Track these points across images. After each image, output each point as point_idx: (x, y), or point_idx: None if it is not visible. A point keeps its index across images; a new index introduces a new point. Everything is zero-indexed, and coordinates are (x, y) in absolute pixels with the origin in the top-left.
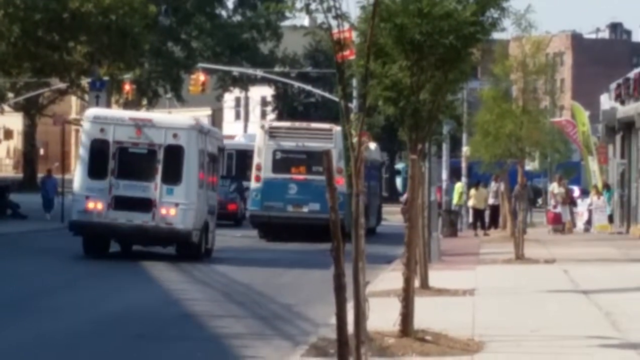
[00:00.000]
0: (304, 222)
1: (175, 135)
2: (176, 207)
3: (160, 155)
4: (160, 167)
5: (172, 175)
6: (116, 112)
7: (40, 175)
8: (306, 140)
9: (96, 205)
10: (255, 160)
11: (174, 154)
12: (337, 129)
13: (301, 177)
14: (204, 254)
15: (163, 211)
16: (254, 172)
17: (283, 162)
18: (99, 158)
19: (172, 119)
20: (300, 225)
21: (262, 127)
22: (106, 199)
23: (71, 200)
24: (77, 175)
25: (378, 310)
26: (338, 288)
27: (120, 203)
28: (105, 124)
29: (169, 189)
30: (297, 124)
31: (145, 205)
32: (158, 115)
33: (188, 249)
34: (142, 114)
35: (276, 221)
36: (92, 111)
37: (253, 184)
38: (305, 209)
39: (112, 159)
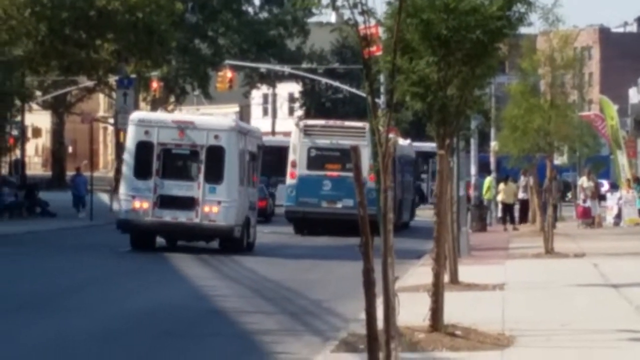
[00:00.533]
0: (337, 218)
1: (216, 137)
2: (218, 204)
3: (203, 156)
4: (202, 167)
5: (214, 175)
6: (160, 115)
7: (69, 173)
8: (340, 137)
9: (142, 204)
10: (291, 157)
11: (216, 154)
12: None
13: (335, 173)
14: (246, 248)
15: (206, 209)
16: (289, 169)
17: (317, 159)
18: (144, 159)
19: (213, 121)
20: (334, 220)
21: (297, 125)
22: (152, 198)
23: (118, 199)
24: (124, 175)
25: (408, 305)
26: (367, 283)
27: (165, 202)
28: (149, 126)
29: (212, 188)
30: (331, 122)
31: (189, 203)
32: (200, 118)
33: (230, 243)
34: (184, 116)
35: (311, 216)
36: (137, 114)
37: (288, 181)
38: (339, 205)
39: (157, 160)
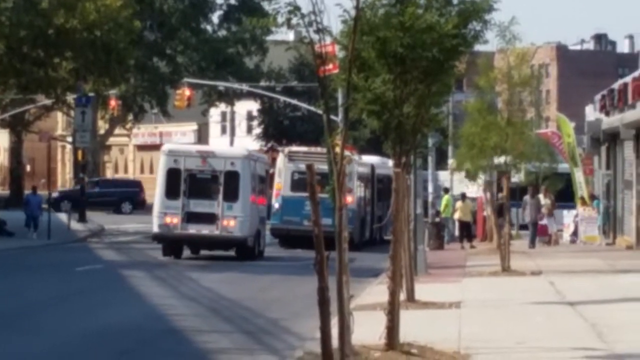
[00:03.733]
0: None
1: (232, 163)
2: (235, 219)
3: (221, 179)
4: (221, 188)
5: (231, 195)
6: (186, 146)
7: (27, 192)
8: (321, 163)
9: (172, 220)
10: (276, 180)
11: (232, 178)
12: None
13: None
14: (257, 255)
15: (225, 223)
16: (274, 191)
17: (300, 182)
18: (173, 183)
19: (230, 151)
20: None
21: (283, 151)
22: (180, 215)
23: (153, 216)
24: (157, 196)
25: (364, 323)
26: (322, 302)
27: (191, 217)
28: (177, 156)
29: (229, 205)
30: (312, 149)
31: (211, 218)
32: (219, 148)
33: (245, 251)
34: (206, 147)
35: (294, 233)
36: (167, 146)
37: (274, 201)
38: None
39: (184, 183)
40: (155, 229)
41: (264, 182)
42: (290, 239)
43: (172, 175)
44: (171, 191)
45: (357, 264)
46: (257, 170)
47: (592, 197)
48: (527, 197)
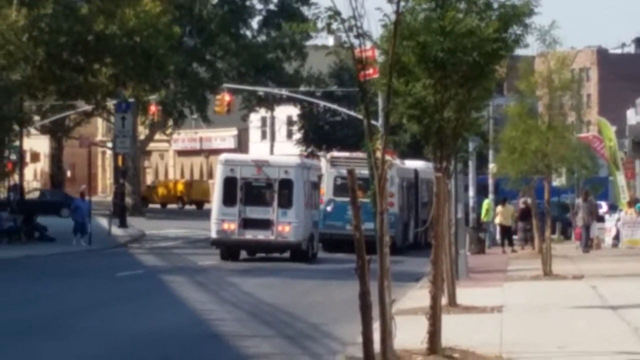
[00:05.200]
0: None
1: (286, 172)
2: (289, 224)
3: (276, 187)
4: (276, 196)
5: (285, 201)
6: (242, 156)
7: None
8: (362, 168)
9: (230, 226)
10: (321, 186)
11: (286, 186)
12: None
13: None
14: (311, 258)
15: (280, 228)
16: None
17: (342, 187)
18: (231, 190)
19: (283, 160)
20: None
21: (325, 157)
22: (237, 221)
23: (211, 223)
24: (215, 203)
25: (406, 328)
26: (363, 306)
27: (247, 223)
28: (234, 165)
29: (283, 212)
30: (354, 154)
31: (266, 224)
32: (273, 157)
33: (299, 255)
34: (261, 156)
35: (337, 237)
36: (224, 156)
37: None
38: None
39: (240, 191)
40: (214, 234)
41: (316, 188)
42: (334, 243)
43: (229, 184)
44: (228, 199)
45: (398, 268)
46: (309, 177)
47: (636, 200)
48: (579, 201)
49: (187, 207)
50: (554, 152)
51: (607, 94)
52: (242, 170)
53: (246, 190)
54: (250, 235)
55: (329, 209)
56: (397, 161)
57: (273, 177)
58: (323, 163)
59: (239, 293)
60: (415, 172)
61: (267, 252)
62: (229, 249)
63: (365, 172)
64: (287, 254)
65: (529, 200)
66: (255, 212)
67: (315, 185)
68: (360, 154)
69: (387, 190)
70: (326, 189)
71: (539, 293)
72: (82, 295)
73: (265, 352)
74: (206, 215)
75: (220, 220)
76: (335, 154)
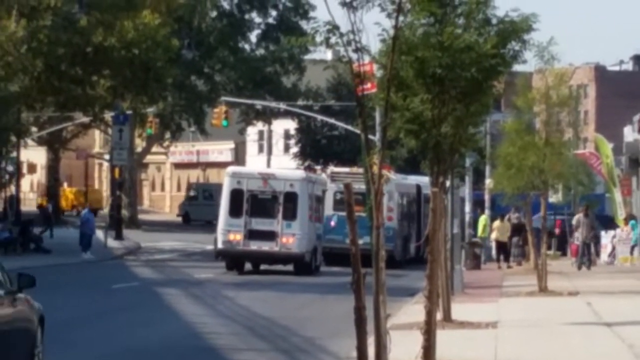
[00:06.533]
0: (360, 252)
1: (291, 185)
2: (293, 236)
3: (281, 199)
4: (281, 208)
5: (290, 214)
6: (248, 169)
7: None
8: (361, 183)
9: (235, 237)
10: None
11: (291, 198)
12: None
13: (360, 214)
14: (314, 270)
15: (284, 240)
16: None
17: (342, 201)
18: (237, 202)
19: (289, 173)
20: None
21: (326, 172)
22: (242, 232)
23: (217, 233)
24: (221, 215)
25: (401, 343)
26: (358, 321)
27: (253, 235)
28: (240, 177)
29: (288, 224)
30: (354, 169)
31: (271, 236)
32: (279, 171)
33: (302, 266)
34: (267, 170)
35: (336, 251)
36: (231, 169)
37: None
38: (360, 242)
39: (246, 203)
40: (220, 245)
41: (321, 201)
42: (334, 257)
43: (236, 196)
44: (234, 210)
45: (396, 282)
46: (314, 191)
47: (631, 217)
48: (580, 216)
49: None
50: (550, 168)
51: (605, 111)
52: (248, 182)
53: (252, 202)
54: (255, 246)
55: (332, 223)
56: (397, 176)
57: (278, 190)
58: (324, 178)
59: (235, 306)
60: (418, 187)
61: (271, 263)
62: (234, 259)
63: (363, 187)
64: (290, 267)
65: (514, 216)
66: (260, 224)
67: (320, 199)
68: (359, 169)
69: (385, 204)
70: (326, 204)
71: (534, 309)
72: (77, 307)
73: None
74: None
75: (226, 231)
76: (336, 169)
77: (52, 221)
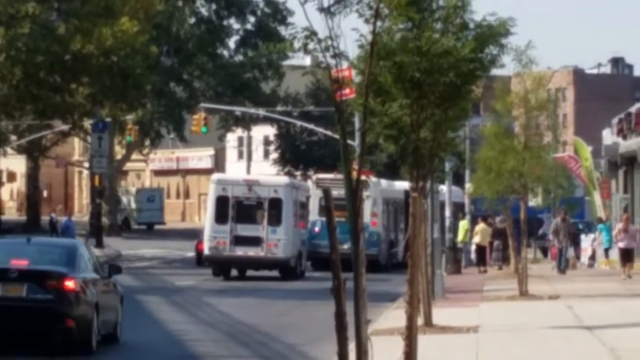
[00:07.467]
0: (343, 257)
1: (275, 191)
2: (278, 242)
3: (266, 205)
4: (265, 214)
5: (275, 219)
6: (233, 175)
7: (44, 217)
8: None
9: (221, 243)
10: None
11: (275, 204)
12: (373, 179)
13: (341, 219)
14: (299, 275)
15: (269, 245)
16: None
17: None
18: (222, 209)
19: (273, 180)
20: (341, 259)
21: (311, 178)
22: (228, 238)
23: (204, 240)
24: (207, 221)
25: (382, 348)
26: (339, 326)
27: (238, 240)
28: (225, 184)
29: (273, 229)
30: (339, 175)
31: (256, 241)
32: (263, 177)
33: (288, 271)
34: (252, 176)
35: (321, 256)
36: (216, 176)
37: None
38: (345, 246)
39: (232, 209)
40: (206, 251)
41: (305, 207)
42: (319, 262)
43: (221, 202)
44: (220, 217)
45: (381, 287)
46: (298, 197)
47: (599, 221)
48: (558, 220)
49: None
50: (530, 172)
51: (583, 114)
52: (233, 189)
53: (237, 209)
54: (241, 251)
55: (316, 229)
56: (383, 182)
57: (263, 196)
58: (310, 185)
59: (216, 313)
60: (406, 192)
61: (257, 268)
62: (220, 265)
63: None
64: (276, 272)
65: (499, 219)
66: (246, 230)
67: (304, 205)
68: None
69: (367, 210)
70: (312, 209)
71: (515, 313)
72: None
73: None
74: None
75: (212, 237)
76: (321, 175)
77: (57, 229)
